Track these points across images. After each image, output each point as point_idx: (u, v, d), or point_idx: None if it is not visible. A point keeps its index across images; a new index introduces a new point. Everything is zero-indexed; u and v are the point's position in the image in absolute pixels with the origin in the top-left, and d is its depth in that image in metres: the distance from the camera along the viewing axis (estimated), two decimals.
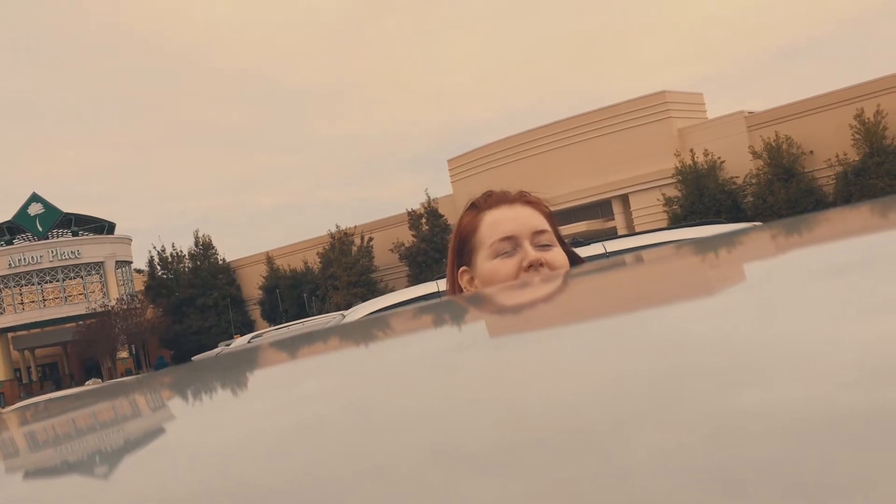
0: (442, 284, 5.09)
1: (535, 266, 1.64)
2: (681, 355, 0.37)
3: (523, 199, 1.74)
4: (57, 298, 56.55)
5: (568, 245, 1.76)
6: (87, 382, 21.16)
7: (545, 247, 1.68)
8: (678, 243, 1.13)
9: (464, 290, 1.74)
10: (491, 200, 1.75)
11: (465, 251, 1.75)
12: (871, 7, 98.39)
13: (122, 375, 40.96)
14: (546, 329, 0.63)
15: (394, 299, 5.39)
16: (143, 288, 58.19)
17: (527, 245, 1.67)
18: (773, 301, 0.46)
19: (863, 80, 37.07)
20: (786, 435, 0.23)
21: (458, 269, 1.76)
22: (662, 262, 0.99)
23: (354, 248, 49.92)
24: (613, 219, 43.05)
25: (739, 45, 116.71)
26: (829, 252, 0.67)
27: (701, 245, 1.06)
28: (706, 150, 39.21)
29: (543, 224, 1.70)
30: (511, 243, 1.67)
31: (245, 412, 0.53)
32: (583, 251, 4.73)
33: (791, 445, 0.22)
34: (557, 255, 1.68)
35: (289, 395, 0.56)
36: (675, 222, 36.39)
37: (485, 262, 1.69)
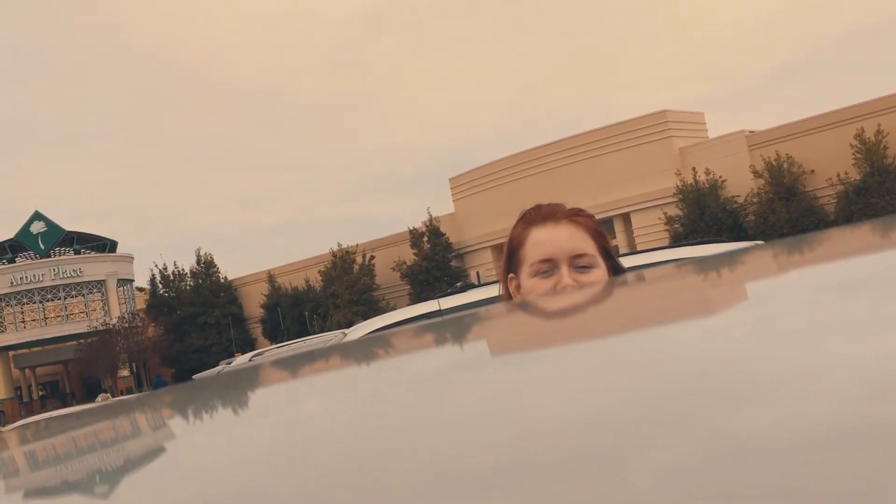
0: (444, 303, 5.10)
1: (567, 291, 1.70)
2: (684, 374, 0.37)
3: (570, 217, 1.82)
4: (58, 317, 56.48)
5: (616, 259, 1.86)
6: (97, 398, 21.09)
7: (584, 269, 1.77)
8: (680, 262, 1.13)
9: (512, 295, 1.85)
10: (539, 215, 1.84)
11: (513, 261, 1.86)
12: (872, 26, 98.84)
13: (122, 394, 40.86)
14: (547, 348, 0.63)
15: (395, 318, 5.38)
16: (144, 306, 58.13)
17: (564, 269, 1.76)
18: (775, 320, 0.46)
19: (863, 100, 37.15)
20: (791, 454, 0.23)
21: (508, 275, 1.88)
22: (666, 280, 0.99)
23: (356, 267, 49.87)
24: (615, 237, 43.03)
25: (740, 65, 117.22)
26: (831, 271, 0.67)
27: (703, 264, 1.06)
28: (707, 169, 39.23)
29: (584, 246, 1.79)
30: (549, 265, 1.77)
31: (245, 431, 0.53)
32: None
33: (795, 464, 0.22)
34: (594, 277, 1.76)
35: (289, 414, 0.56)
36: (677, 241, 36.37)
37: (526, 279, 1.80)
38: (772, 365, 0.34)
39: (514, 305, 1.19)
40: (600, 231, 1.85)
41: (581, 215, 1.84)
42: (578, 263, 1.77)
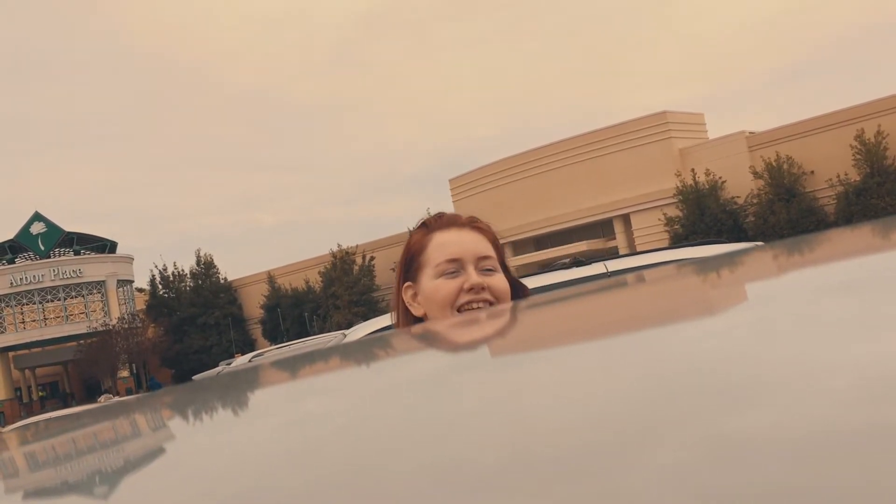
0: None
1: (475, 289, 1.71)
2: (683, 375, 0.37)
3: (472, 224, 1.82)
4: (58, 317, 56.48)
5: (512, 273, 1.84)
6: (99, 398, 21.08)
7: (488, 272, 1.75)
8: (680, 263, 1.13)
9: (407, 304, 1.81)
10: (441, 222, 1.82)
11: (412, 268, 1.81)
12: (872, 28, 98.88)
13: (122, 394, 40.88)
14: (550, 348, 0.63)
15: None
16: (144, 307, 58.15)
17: (471, 269, 1.73)
18: (774, 321, 0.46)
19: (863, 101, 37.16)
20: (790, 456, 0.23)
21: (404, 284, 1.82)
22: (665, 281, 0.99)
23: (356, 268, 49.90)
24: (615, 238, 43.03)
25: (740, 66, 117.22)
26: (831, 272, 0.67)
27: (703, 265, 1.06)
28: (707, 169, 39.25)
29: (489, 250, 1.78)
30: (456, 265, 1.74)
31: (245, 432, 0.53)
32: (584, 270, 4.73)
33: (795, 467, 0.22)
34: (499, 281, 1.75)
35: (290, 415, 0.55)
36: (677, 242, 36.38)
37: (429, 281, 1.75)
38: (770, 367, 0.34)
39: (528, 304, 1.19)
40: (499, 243, 1.85)
41: (483, 224, 1.85)
42: (484, 266, 1.75)
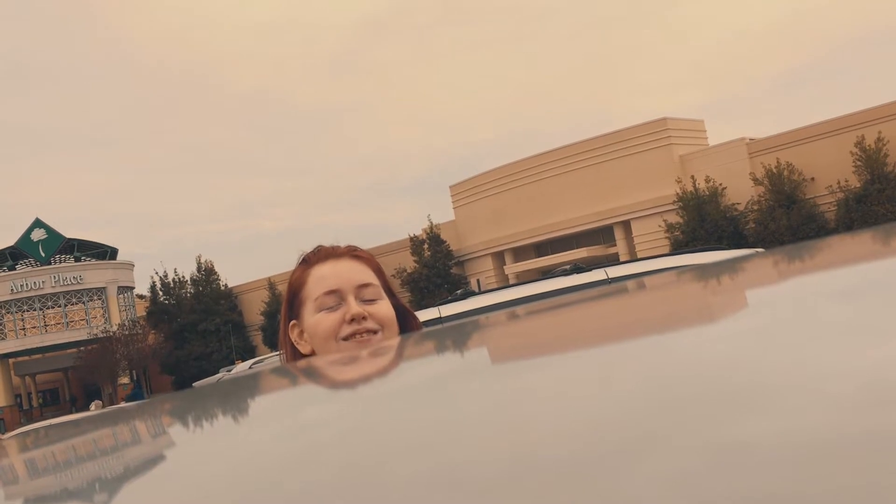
0: (444, 310, 5.07)
1: (356, 319, 1.67)
2: (682, 382, 0.37)
3: (351, 253, 1.78)
4: (58, 324, 56.46)
5: (398, 299, 1.80)
6: (90, 406, 21.06)
7: (370, 301, 1.71)
8: (681, 269, 1.13)
9: (294, 343, 1.77)
10: (319, 255, 1.78)
11: (294, 306, 1.78)
12: (872, 34, 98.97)
13: (122, 401, 40.90)
14: (551, 355, 0.64)
15: None
16: (144, 313, 58.13)
17: (350, 299, 1.70)
18: (775, 327, 0.46)
19: (864, 107, 37.19)
20: (792, 463, 0.23)
21: (290, 322, 1.79)
22: (666, 288, 0.99)
23: None
24: (615, 245, 43.02)
25: (740, 72, 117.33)
26: (832, 278, 0.67)
27: (704, 271, 1.06)
28: (707, 176, 39.26)
29: (369, 278, 1.74)
30: (335, 297, 1.70)
31: (245, 440, 0.53)
32: (585, 277, 4.73)
33: (796, 474, 0.22)
34: (382, 308, 1.71)
35: (290, 422, 0.56)
36: (677, 248, 36.38)
37: (310, 317, 1.72)
38: (770, 373, 0.34)
39: (536, 308, 1.19)
40: (382, 269, 1.82)
41: (362, 252, 1.81)
42: (364, 295, 1.71)
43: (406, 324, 1.78)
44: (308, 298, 1.73)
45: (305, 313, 1.74)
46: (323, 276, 1.73)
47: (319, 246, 1.82)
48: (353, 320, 1.67)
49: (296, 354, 1.77)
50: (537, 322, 0.94)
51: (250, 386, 0.93)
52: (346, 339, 1.67)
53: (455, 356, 0.79)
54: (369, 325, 1.68)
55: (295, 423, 0.56)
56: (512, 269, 44.87)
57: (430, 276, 46.44)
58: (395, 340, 1.10)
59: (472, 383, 0.55)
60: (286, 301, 1.81)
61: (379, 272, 1.79)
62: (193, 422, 0.75)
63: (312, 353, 1.73)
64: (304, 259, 1.81)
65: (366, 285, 1.72)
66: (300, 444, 0.44)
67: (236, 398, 0.83)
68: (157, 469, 0.52)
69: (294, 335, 1.77)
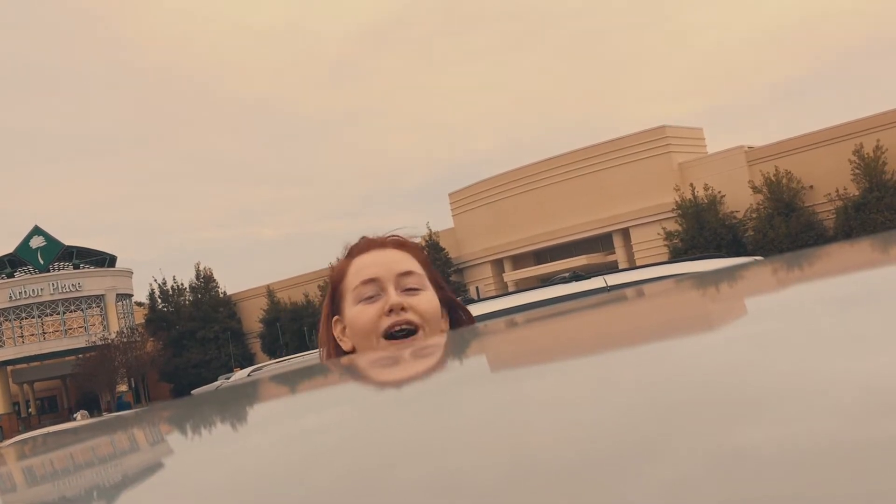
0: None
1: (395, 310, 1.57)
2: (679, 389, 0.37)
3: (395, 242, 1.68)
4: (57, 331, 56.44)
5: (448, 290, 1.70)
6: (75, 416, 21.04)
7: (412, 290, 1.61)
8: (680, 277, 1.14)
9: (337, 339, 1.67)
10: (362, 245, 1.70)
11: (335, 299, 1.69)
12: (871, 43, 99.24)
13: (105, 413, 40.77)
14: (548, 364, 0.64)
15: None
16: (143, 321, 58.11)
17: (391, 289, 1.59)
18: (773, 335, 0.46)
19: (862, 116, 37.27)
20: (790, 470, 0.23)
21: (333, 318, 1.69)
22: (665, 295, 0.99)
23: None
24: (614, 252, 43.06)
25: (739, 80, 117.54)
26: (830, 286, 0.67)
27: (702, 279, 1.06)
28: (706, 184, 39.33)
29: (412, 266, 1.63)
30: (374, 287, 1.61)
31: (243, 448, 0.53)
32: (584, 285, 4.73)
33: (794, 481, 0.22)
34: (425, 300, 1.60)
35: (288, 430, 0.55)
36: (676, 256, 36.39)
37: (350, 309, 1.63)
38: (769, 380, 0.34)
39: (526, 319, 1.19)
40: (428, 261, 1.71)
41: (408, 242, 1.70)
42: (406, 284, 1.60)
43: (456, 318, 1.69)
44: (347, 290, 1.65)
45: (345, 306, 1.65)
46: (362, 266, 1.64)
47: (364, 236, 1.73)
48: (391, 311, 1.57)
49: (339, 352, 1.67)
50: (537, 330, 0.94)
51: (249, 394, 0.93)
52: (386, 335, 1.57)
53: (455, 364, 0.80)
54: (409, 317, 1.58)
55: (294, 432, 0.56)
56: (511, 276, 44.88)
57: None
58: (421, 347, 1.09)
59: (476, 391, 0.56)
60: (328, 295, 1.73)
61: (425, 262, 1.68)
62: (192, 430, 0.74)
63: (353, 350, 1.64)
64: (348, 251, 1.72)
65: (407, 273, 1.62)
66: (295, 455, 0.44)
67: (234, 406, 0.83)
68: (155, 478, 0.52)
69: (337, 331, 1.68)
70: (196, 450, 0.60)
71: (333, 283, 1.70)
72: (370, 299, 1.60)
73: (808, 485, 0.21)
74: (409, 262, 1.64)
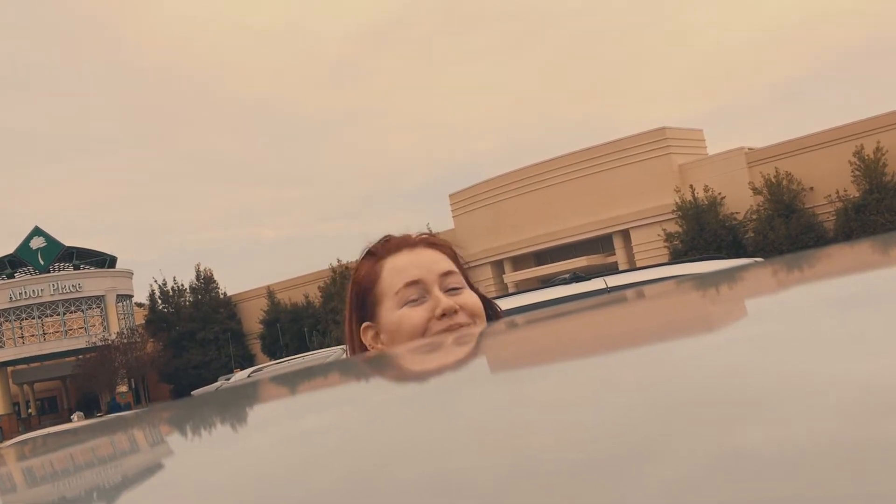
0: None
1: (448, 313, 1.50)
2: (681, 390, 0.37)
3: (425, 241, 1.61)
4: (57, 332, 56.45)
5: (478, 289, 1.63)
6: (72, 417, 21.07)
7: (455, 290, 1.54)
8: (680, 279, 1.14)
9: (368, 347, 1.57)
10: (390, 246, 1.60)
11: (366, 304, 1.58)
12: (872, 44, 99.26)
13: (120, 410, 40.82)
14: (548, 365, 0.64)
15: None
16: (143, 322, 58.13)
17: (436, 291, 1.52)
18: (774, 337, 0.46)
19: (863, 117, 37.27)
20: (790, 472, 0.23)
21: (361, 325, 1.59)
22: (665, 297, 0.99)
23: None
24: (614, 254, 43.05)
25: (739, 82, 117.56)
26: (830, 288, 0.67)
27: (703, 280, 1.06)
28: (706, 185, 39.33)
29: (449, 265, 1.57)
30: (419, 289, 1.52)
31: (243, 448, 0.53)
32: (584, 286, 4.73)
33: (794, 482, 0.22)
34: (471, 298, 1.55)
35: (289, 430, 0.55)
36: (677, 258, 36.40)
37: (392, 313, 1.53)
38: (769, 382, 0.34)
39: (528, 320, 1.19)
40: (458, 257, 1.63)
41: (437, 239, 1.63)
42: (448, 284, 1.54)
43: (490, 314, 1.61)
44: (385, 294, 1.55)
45: (383, 311, 1.55)
46: (402, 267, 1.55)
47: (388, 235, 1.65)
48: (444, 315, 1.49)
49: None
50: (538, 331, 0.94)
51: (249, 395, 0.93)
52: None
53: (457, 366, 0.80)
54: (461, 318, 1.51)
55: (294, 433, 0.56)
56: (511, 277, 44.89)
57: None
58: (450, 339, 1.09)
59: (476, 392, 0.56)
60: (353, 300, 1.61)
61: (458, 261, 1.62)
62: (192, 431, 0.74)
63: None
64: (369, 252, 1.63)
65: (449, 273, 1.55)
66: (295, 456, 0.44)
67: (235, 407, 0.83)
68: (154, 479, 0.52)
69: (368, 338, 1.57)
70: (195, 451, 0.60)
71: (364, 287, 1.59)
72: (415, 302, 1.52)
73: (809, 485, 0.21)
74: (446, 262, 1.58)
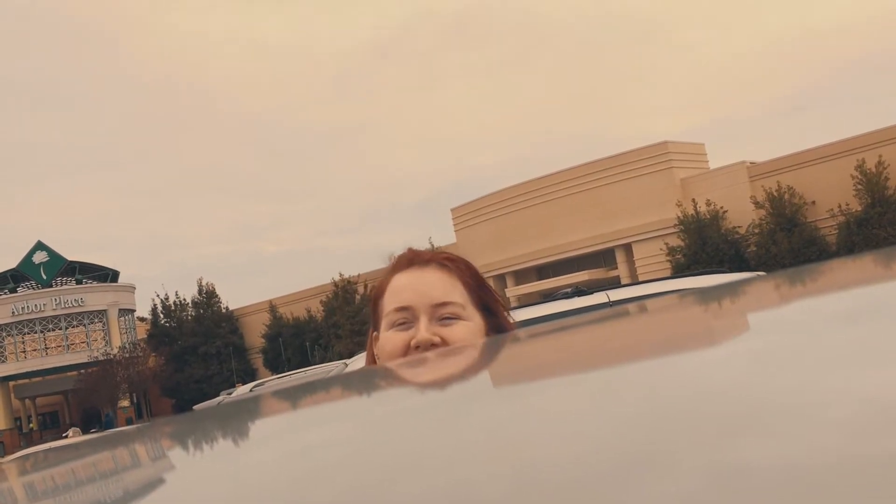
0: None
1: (423, 347, 1.48)
2: (683, 405, 0.37)
3: (438, 260, 1.58)
4: (59, 347, 56.42)
5: (500, 315, 1.59)
6: (67, 433, 21.04)
7: (448, 320, 1.51)
8: (682, 293, 1.14)
9: (375, 354, 1.61)
10: (402, 261, 1.60)
11: (376, 314, 1.61)
12: (873, 58, 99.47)
13: (122, 424, 40.70)
14: (550, 379, 0.65)
15: None
16: (145, 336, 58.11)
17: (423, 320, 1.51)
18: (777, 351, 0.46)
19: (864, 131, 37.31)
20: (791, 486, 0.23)
21: (374, 332, 1.63)
22: (668, 311, 0.99)
23: (358, 297, 49.88)
24: (617, 268, 43.05)
25: (741, 96, 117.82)
26: (833, 302, 0.67)
27: (705, 294, 1.06)
28: (708, 199, 39.38)
29: (450, 295, 1.53)
30: (408, 314, 1.52)
31: (245, 463, 0.53)
32: (586, 300, 4.73)
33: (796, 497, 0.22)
34: (456, 332, 1.50)
35: (291, 445, 0.55)
36: (679, 272, 36.38)
37: (383, 332, 1.56)
38: (772, 397, 0.34)
39: (527, 334, 1.19)
40: (479, 280, 1.59)
41: (454, 260, 1.59)
42: (441, 314, 1.51)
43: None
44: (384, 310, 1.57)
45: (382, 326, 1.57)
46: (399, 289, 1.55)
47: (410, 248, 1.64)
48: (417, 347, 1.49)
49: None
50: (540, 345, 0.94)
51: (251, 410, 0.93)
52: None
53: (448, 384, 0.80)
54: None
55: (296, 448, 0.56)
56: (513, 291, 44.86)
57: None
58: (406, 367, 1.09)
59: (478, 406, 0.56)
60: (371, 307, 1.65)
61: (473, 285, 1.57)
62: (194, 445, 0.74)
63: None
64: (393, 262, 1.63)
65: (444, 304, 1.52)
66: (298, 471, 0.43)
67: (237, 422, 0.83)
68: (157, 494, 0.52)
69: (377, 347, 1.61)
70: (197, 466, 0.60)
71: (374, 299, 1.63)
72: (402, 326, 1.53)
73: (810, 500, 0.21)
74: (448, 289, 1.54)
